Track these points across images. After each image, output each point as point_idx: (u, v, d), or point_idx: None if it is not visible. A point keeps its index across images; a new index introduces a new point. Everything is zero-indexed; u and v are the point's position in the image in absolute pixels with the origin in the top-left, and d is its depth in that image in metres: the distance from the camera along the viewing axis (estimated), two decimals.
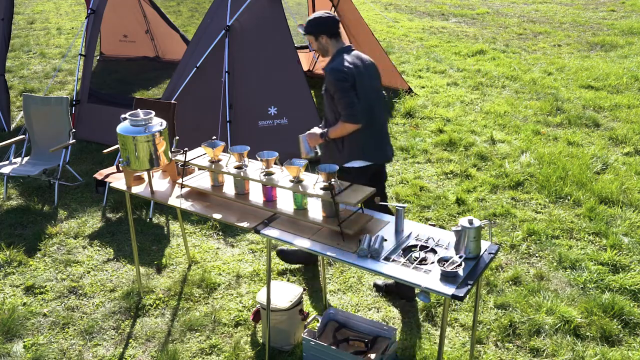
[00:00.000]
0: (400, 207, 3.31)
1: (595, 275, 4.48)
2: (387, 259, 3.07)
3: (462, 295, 2.76)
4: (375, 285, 4.46)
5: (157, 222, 5.40)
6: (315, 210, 3.43)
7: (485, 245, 3.15)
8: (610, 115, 7.73)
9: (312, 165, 3.80)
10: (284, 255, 4.65)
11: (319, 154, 4.05)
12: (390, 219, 3.47)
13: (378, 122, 3.98)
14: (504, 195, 5.75)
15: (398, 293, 4.33)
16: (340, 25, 4.06)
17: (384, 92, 4.16)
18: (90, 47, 6.89)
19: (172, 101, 5.74)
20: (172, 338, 3.99)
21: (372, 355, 3.51)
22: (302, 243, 3.22)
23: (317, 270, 4.66)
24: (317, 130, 3.97)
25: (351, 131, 3.82)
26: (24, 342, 3.96)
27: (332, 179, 3.31)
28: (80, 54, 7.02)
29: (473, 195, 5.72)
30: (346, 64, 3.83)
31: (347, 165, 3.95)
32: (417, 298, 4.10)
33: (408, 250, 3.16)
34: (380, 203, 3.64)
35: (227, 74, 6.14)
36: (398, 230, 3.34)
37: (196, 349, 3.89)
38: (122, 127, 3.74)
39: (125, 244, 5.07)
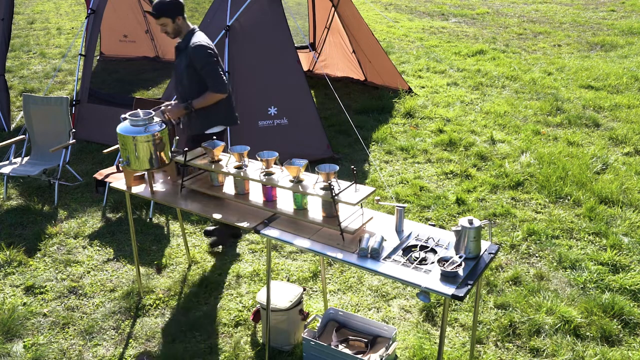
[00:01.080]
0: (400, 207, 3.31)
1: (595, 275, 4.48)
2: (387, 258, 3.07)
3: (462, 295, 2.76)
4: (205, 232, 5.05)
5: (157, 222, 5.40)
6: (315, 210, 3.43)
7: (485, 245, 3.15)
8: (610, 115, 7.73)
9: (312, 165, 3.80)
10: (209, 234, 4.99)
11: (180, 125, 4.42)
12: (390, 218, 3.47)
13: (229, 91, 4.51)
14: (504, 195, 5.75)
15: (228, 234, 5.01)
16: None
17: None
18: (90, 47, 6.89)
19: (172, 101, 5.73)
20: (172, 338, 3.99)
21: (372, 355, 3.51)
22: (302, 243, 3.22)
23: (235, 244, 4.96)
24: (179, 105, 4.36)
25: (217, 100, 4.35)
26: (24, 342, 3.96)
27: (332, 179, 3.31)
28: (80, 54, 7.02)
29: (473, 195, 5.72)
30: (208, 40, 4.34)
31: (208, 131, 4.47)
32: (418, 298, 4.11)
33: (408, 250, 3.16)
34: (380, 201, 3.64)
35: (227, 74, 6.13)
36: (398, 230, 3.34)
37: (196, 349, 3.89)
38: (122, 127, 3.74)
39: (125, 244, 5.07)
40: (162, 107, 4.33)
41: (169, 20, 4.28)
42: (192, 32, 4.37)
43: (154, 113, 4.18)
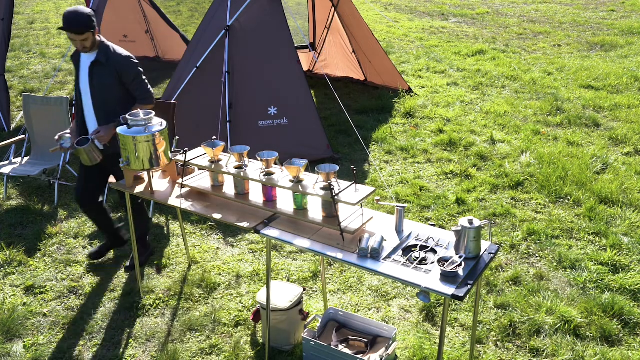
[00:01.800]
0: (400, 207, 3.32)
1: (595, 275, 4.48)
2: (387, 259, 3.07)
3: (462, 295, 2.76)
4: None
5: (157, 222, 5.40)
6: (315, 210, 3.43)
7: (485, 245, 3.15)
8: (610, 115, 7.73)
9: (312, 165, 3.81)
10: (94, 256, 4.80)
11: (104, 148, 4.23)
12: (390, 218, 3.47)
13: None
14: (504, 195, 5.75)
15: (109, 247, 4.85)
16: None
17: None
18: None
19: (172, 101, 5.74)
20: (172, 338, 3.99)
21: (372, 355, 3.51)
22: (302, 243, 3.22)
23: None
24: (107, 126, 4.16)
25: None
26: (24, 342, 3.96)
27: (332, 179, 3.31)
28: None
29: (473, 195, 5.72)
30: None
31: None
32: (418, 298, 4.11)
33: (408, 250, 3.16)
34: (379, 202, 3.65)
35: (227, 74, 6.14)
36: (398, 230, 3.34)
37: (196, 349, 3.89)
38: (122, 127, 3.74)
39: (125, 244, 5.06)
40: (92, 136, 4.07)
41: (91, 34, 4.02)
42: (105, 44, 4.14)
43: (85, 146, 3.99)
